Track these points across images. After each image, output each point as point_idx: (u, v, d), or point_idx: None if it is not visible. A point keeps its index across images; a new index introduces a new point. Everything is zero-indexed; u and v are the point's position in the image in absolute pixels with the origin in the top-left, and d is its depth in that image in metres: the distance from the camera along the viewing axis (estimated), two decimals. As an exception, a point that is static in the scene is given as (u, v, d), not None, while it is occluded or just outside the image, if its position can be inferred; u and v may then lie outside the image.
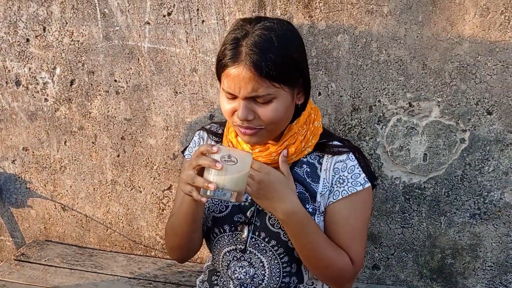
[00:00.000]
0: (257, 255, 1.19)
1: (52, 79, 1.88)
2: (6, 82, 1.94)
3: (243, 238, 1.19)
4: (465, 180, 1.59)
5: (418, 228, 1.68)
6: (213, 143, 1.27)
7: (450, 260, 1.69)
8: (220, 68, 1.07)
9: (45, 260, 1.96)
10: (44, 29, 1.83)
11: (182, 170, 1.35)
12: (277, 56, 1.01)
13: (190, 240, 1.24)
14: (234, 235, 1.20)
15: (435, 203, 1.64)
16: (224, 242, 1.22)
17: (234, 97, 1.07)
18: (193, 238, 1.23)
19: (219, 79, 1.10)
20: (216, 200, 1.22)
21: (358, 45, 1.55)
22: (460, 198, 1.61)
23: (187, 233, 1.21)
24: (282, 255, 1.18)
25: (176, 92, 1.77)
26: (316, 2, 1.54)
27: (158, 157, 1.87)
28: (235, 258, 1.22)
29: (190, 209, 1.15)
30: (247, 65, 1.01)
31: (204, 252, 1.91)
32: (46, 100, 1.92)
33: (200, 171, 1.05)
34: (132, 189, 1.95)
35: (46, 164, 2.02)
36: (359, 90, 1.59)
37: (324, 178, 1.18)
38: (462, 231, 1.64)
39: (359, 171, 1.17)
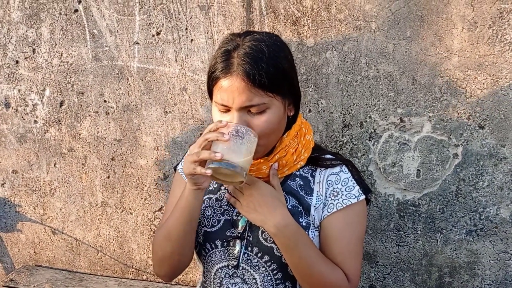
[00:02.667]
0: (250, 272, 1.16)
1: (41, 100, 1.87)
2: (-4, 105, 1.93)
3: (236, 253, 1.16)
4: (460, 196, 1.56)
5: (414, 246, 1.64)
6: None
7: (448, 279, 1.65)
8: (212, 81, 1.06)
9: (34, 286, 1.92)
10: (34, 50, 1.82)
11: (174, 183, 1.31)
12: (269, 66, 1.02)
13: (183, 246, 1.17)
14: (226, 251, 1.17)
15: (430, 220, 1.61)
16: (216, 258, 1.18)
17: (227, 109, 1.06)
18: (185, 244, 1.17)
19: (210, 94, 1.09)
20: (208, 213, 1.19)
21: (347, 61, 1.54)
22: (456, 214, 1.58)
23: (181, 235, 1.15)
24: (276, 271, 1.15)
25: (166, 111, 1.75)
26: (304, 20, 1.54)
27: (148, 177, 1.85)
28: (227, 275, 1.18)
29: (188, 203, 1.10)
30: (240, 75, 1.01)
31: (196, 274, 1.87)
32: (35, 122, 1.90)
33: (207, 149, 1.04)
34: (122, 211, 1.92)
35: (36, 187, 1.99)
36: (350, 106, 1.57)
37: (317, 191, 1.16)
38: (459, 249, 1.61)
39: (353, 183, 1.16)
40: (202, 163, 1.03)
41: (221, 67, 1.04)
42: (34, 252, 2.09)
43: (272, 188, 1.12)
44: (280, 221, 1.08)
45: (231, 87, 1.02)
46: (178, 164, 1.33)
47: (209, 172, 1.00)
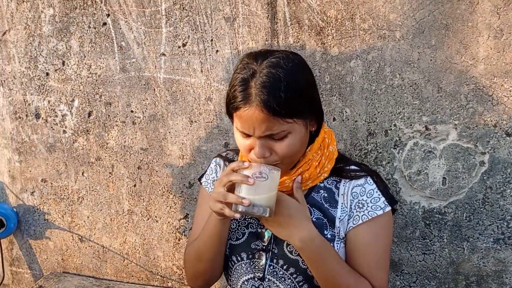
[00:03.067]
0: (276, 283, 1.17)
1: (70, 111, 1.92)
2: (26, 115, 1.98)
3: (261, 265, 1.17)
4: (486, 204, 1.55)
5: (440, 254, 1.64)
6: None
7: (475, 288, 1.64)
8: (232, 109, 1.07)
9: (63, 292, 1.96)
10: (63, 63, 1.88)
11: (200, 197, 1.35)
12: (287, 93, 1.01)
13: (214, 265, 1.22)
14: (252, 263, 1.18)
15: (456, 228, 1.60)
16: (242, 271, 1.20)
17: (249, 135, 1.07)
18: (216, 263, 1.22)
19: (231, 117, 1.11)
20: (233, 226, 1.21)
21: (371, 70, 1.55)
22: (483, 222, 1.57)
23: (212, 256, 1.20)
24: (301, 283, 1.16)
25: (192, 121, 1.78)
26: (328, 29, 1.56)
27: (174, 186, 1.88)
28: (253, 287, 1.19)
29: (216, 229, 1.14)
30: (259, 106, 1.01)
31: (222, 281, 1.88)
32: (64, 132, 1.95)
33: (230, 188, 1.05)
34: (148, 219, 1.95)
35: (64, 195, 2.03)
36: (374, 114, 1.58)
37: (342, 203, 1.16)
38: (486, 257, 1.59)
39: (379, 194, 1.15)
40: (229, 204, 1.05)
41: (240, 98, 1.03)
42: (62, 259, 2.13)
43: (296, 201, 1.11)
44: (305, 235, 1.08)
45: (251, 118, 1.03)
46: (202, 175, 1.35)
47: (238, 216, 1.04)
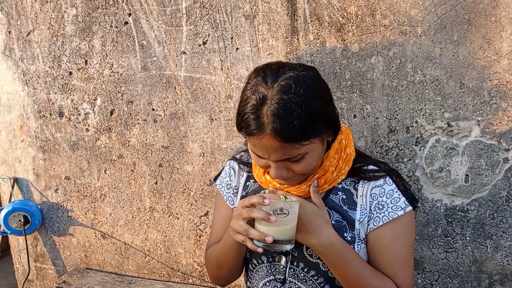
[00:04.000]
0: (298, 284, 1.17)
1: (93, 109, 1.95)
2: (50, 114, 2.02)
3: (282, 268, 1.17)
4: (510, 201, 1.53)
5: (463, 252, 1.62)
6: (261, 193, 1.21)
7: (499, 287, 1.61)
8: (245, 134, 1.04)
9: (86, 288, 1.99)
10: (86, 62, 1.91)
11: (216, 200, 1.35)
12: (300, 119, 0.97)
13: (235, 270, 1.26)
14: (272, 266, 1.18)
15: (479, 226, 1.58)
16: (263, 273, 1.20)
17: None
18: (237, 268, 1.25)
19: (243, 135, 1.08)
20: None
21: (392, 66, 1.54)
22: (507, 220, 1.55)
23: (233, 265, 1.23)
24: (323, 284, 1.15)
25: (212, 118, 1.79)
26: (348, 26, 1.55)
27: (195, 183, 1.89)
28: None
29: (234, 247, 1.17)
30: (272, 135, 0.98)
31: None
32: (87, 130, 1.99)
33: (251, 220, 1.06)
34: (169, 216, 1.97)
35: (87, 192, 2.07)
36: (395, 111, 1.57)
37: (361, 205, 1.14)
38: (511, 255, 1.57)
39: (399, 195, 1.13)
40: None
41: (253, 126, 1.00)
42: (85, 255, 2.17)
43: (315, 206, 1.10)
44: (325, 240, 1.07)
45: (266, 146, 1.00)
46: (217, 176, 1.35)
47: (260, 250, 1.05)
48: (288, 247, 1.05)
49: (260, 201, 1.03)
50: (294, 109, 0.97)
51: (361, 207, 1.15)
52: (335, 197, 1.16)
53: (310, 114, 0.99)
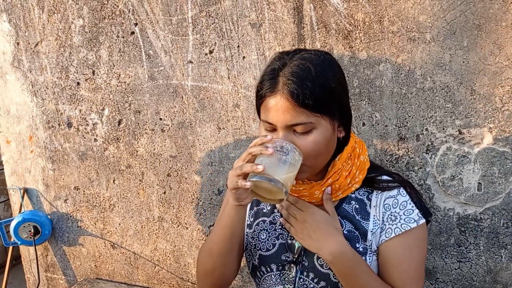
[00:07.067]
0: None
1: (101, 119, 1.95)
2: (59, 124, 2.03)
3: (291, 278, 1.15)
4: (525, 210, 1.49)
5: (477, 262, 1.58)
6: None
7: (514, 297, 1.58)
8: (259, 99, 1.06)
9: (96, 298, 1.99)
10: (93, 72, 1.91)
11: (224, 200, 1.34)
12: (314, 85, 1.00)
13: (224, 263, 1.18)
14: (281, 275, 1.16)
15: (493, 235, 1.54)
16: (272, 282, 1.18)
17: (273, 128, 1.05)
18: (227, 261, 1.18)
19: (259, 112, 1.10)
20: (263, 237, 1.20)
21: (401, 74, 1.51)
22: (521, 229, 1.51)
23: (222, 251, 1.16)
24: None
25: (220, 128, 1.78)
26: (356, 33, 1.53)
27: (203, 193, 1.88)
28: None
29: (229, 219, 1.11)
30: (285, 94, 1.00)
31: (251, 289, 1.88)
32: (95, 140, 1.99)
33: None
34: (178, 226, 1.96)
35: (96, 202, 2.07)
36: (405, 119, 1.54)
37: (374, 215, 1.12)
38: (526, 265, 1.53)
39: (412, 206, 1.11)
40: (245, 176, 1.01)
41: (267, 86, 1.03)
42: (95, 265, 2.17)
43: (326, 213, 1.09)
44: (336, 249, 1.05)
45: (276, 106, 1.01)
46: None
47: (248, 184, 0.98)
48: (280, 194, 0.97)
49: (262, 138, 1.02)
50: (310, 72, 1.01)
51: (374, 218, 1.13)
52: (348, 207, 1.15)
53: (325, 85, 1.01)
